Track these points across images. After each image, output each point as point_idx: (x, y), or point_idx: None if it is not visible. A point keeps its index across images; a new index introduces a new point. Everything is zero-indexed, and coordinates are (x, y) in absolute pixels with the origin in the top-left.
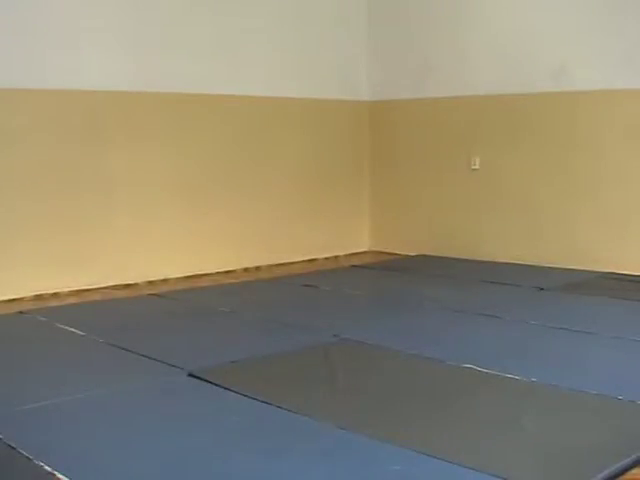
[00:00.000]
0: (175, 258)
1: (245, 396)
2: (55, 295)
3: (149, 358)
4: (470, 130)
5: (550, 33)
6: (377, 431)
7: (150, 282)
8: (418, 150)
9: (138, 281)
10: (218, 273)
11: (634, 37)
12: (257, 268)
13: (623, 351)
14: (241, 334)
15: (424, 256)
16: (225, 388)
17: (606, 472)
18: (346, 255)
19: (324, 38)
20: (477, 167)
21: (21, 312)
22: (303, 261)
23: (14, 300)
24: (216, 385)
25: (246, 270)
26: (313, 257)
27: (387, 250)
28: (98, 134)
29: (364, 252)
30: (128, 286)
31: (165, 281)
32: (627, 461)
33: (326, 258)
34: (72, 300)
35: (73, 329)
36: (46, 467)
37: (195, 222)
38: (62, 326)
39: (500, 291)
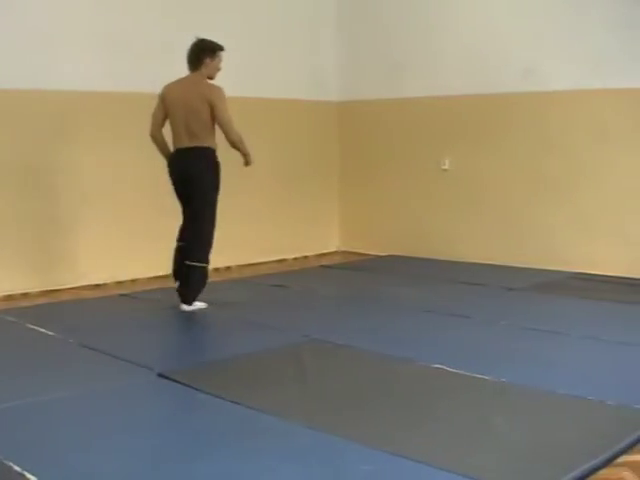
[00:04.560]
0: (144, 258)
1: (215, 397)
2: (25, 295)
3: (119, 359)
4: (440, 130)
5: (521, 34)
6: (347, 431)
7: (119, 282)
8: (388, 150)
9: (107, 281)
10: None
11: (604, 38)
12: (227, 268)
13: (592, 351)
14: (211, 335)
15: (394, 256)
16: (195, 389)
17: (576, 472)
18: (315, 255)
19: (292, 38)
20: (447, 167)
21: None
22: (273, 261)
23: None
24: (186, 385)
25: (216, 270)
26: (282, 257)
27: (356, 250)
28: (69, 135)
29: (333, 252)
30: (98, 286)
31: (134, 281)
32: (596, 461)
33: (295, 258)
34: (42, 300)
35: (43, 330)
36: (15, 467)
37: (165, 222)
38: (32, 326)
39: (470, 291)
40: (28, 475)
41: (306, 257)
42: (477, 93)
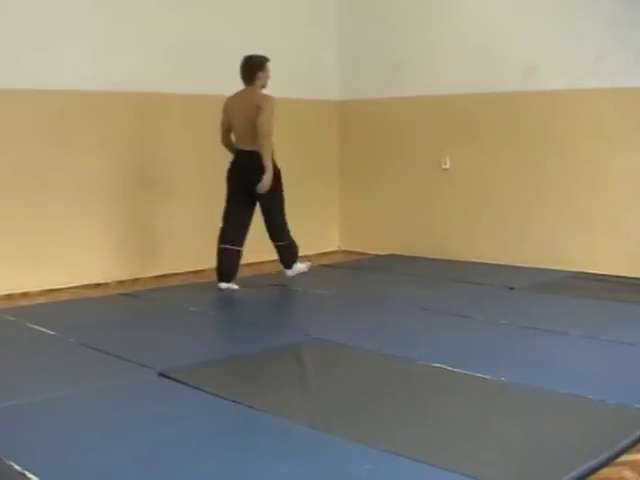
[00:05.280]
0: (145, 257)
1: (215, 396)
2: (25, 295)
3: (119, 358)
4: (441, 129)
5: (521, 33)
6: (348, 430)
7: (120, 282)
8: (388, 149)
9: (108, 280)
10: (188, 272)
11: (604, 38)
12: None
13: (592, 350)
14: (212, 334)
15: (394, 255)
16: (195, 388)
17: (576, 471)
18: (316, 254)
19: (292, 37)
20: (447, 167)
21: None
22: (273, 260)
23: None
24: (186, 385)
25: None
26: None
27: (357, 249)
28: (68, 134)
29: (334, 251)
30: (98, 285)
31: (136, 280)
32: (596, 461)
33: None
34: (42, 299)
35: (43, 329)
36: (16, 467)
37: (166, 221)
38: (32, 326)
39: (470, 290)
40: (29, 474)
41: (306, 256)
42: (478, 92)
